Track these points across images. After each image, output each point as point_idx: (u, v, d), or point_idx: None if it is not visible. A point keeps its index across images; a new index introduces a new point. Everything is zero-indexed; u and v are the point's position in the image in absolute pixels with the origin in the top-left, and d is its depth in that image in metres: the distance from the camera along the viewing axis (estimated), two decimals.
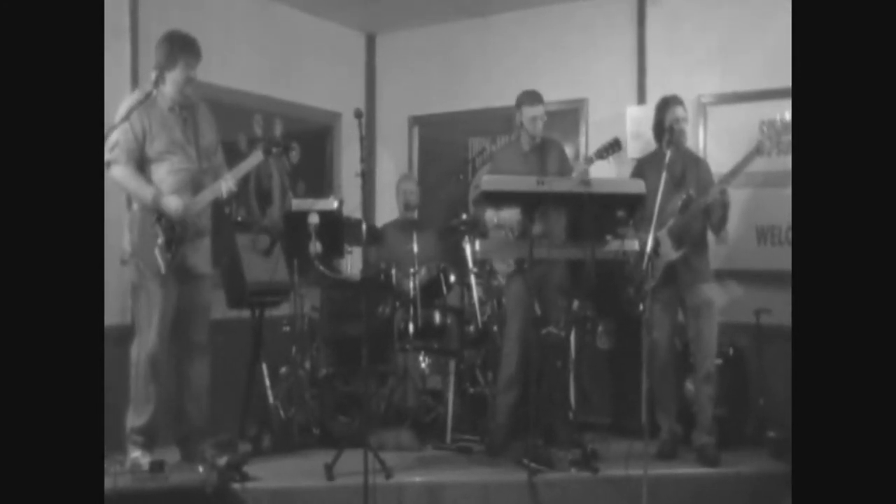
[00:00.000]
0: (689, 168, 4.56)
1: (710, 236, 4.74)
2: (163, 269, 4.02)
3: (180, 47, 4.09)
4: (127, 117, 3.89)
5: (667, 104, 4.64)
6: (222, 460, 3.99)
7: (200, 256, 4.24)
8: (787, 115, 4.24)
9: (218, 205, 4.35)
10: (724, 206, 4.47)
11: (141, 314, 4.10)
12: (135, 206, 4.13)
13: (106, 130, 3.83)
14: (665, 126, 4.56)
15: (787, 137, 4.49)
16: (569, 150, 5.39)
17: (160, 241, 4.02)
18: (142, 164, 4.09)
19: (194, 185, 4.16)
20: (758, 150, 4.33)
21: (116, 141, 3.99)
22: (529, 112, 4.67)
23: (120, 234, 4.20)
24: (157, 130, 4.08)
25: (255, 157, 4.30)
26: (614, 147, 4.50)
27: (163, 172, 4.10)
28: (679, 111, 4.59)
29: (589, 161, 4.61)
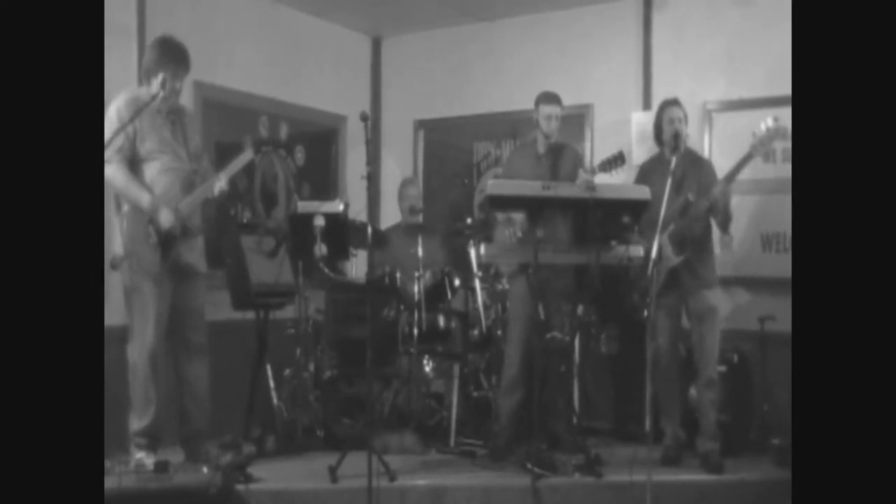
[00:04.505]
0: (689, 171, 4.56)
1: (715, 242, 4.75)
2: (156, 268, 4.03)
3: (169, 57, 4.09)
4: (131, 120, 3.90)
5: (664, 106, 4.69)
6: (226, 460, 3.99)
7: (195, 255, 4.24)
8: (772, 121, 4.26)
9: (223, 206, 4.35)
10: (726, 204, 4.46)
11: (136, 316, 4.08)
12: (125, 207, 4.11)
13: (110, 134, 3.85)
14: (662, 127, 4.59)
15: (779, 143, 4.52)
16: None
17: (153, 240, 4.03)
18: (133, 164, 4.08)
19: (185, 184, 4.16)
20: (751, 155, 4.34)
21: (120, 145, 3.99)
22: (545, 110, 4.67)
23: (109, 237, 4.21)
24: (147, 130, 4.07)
25: (246, 156, 4.30)
26: (618, 161, 4.50)
27: (154, 171, 4.09)
28: (675, 111, 4.60)
29: (592, 172, 4.61)
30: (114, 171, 4.00)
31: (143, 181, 4.07)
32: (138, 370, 4.06)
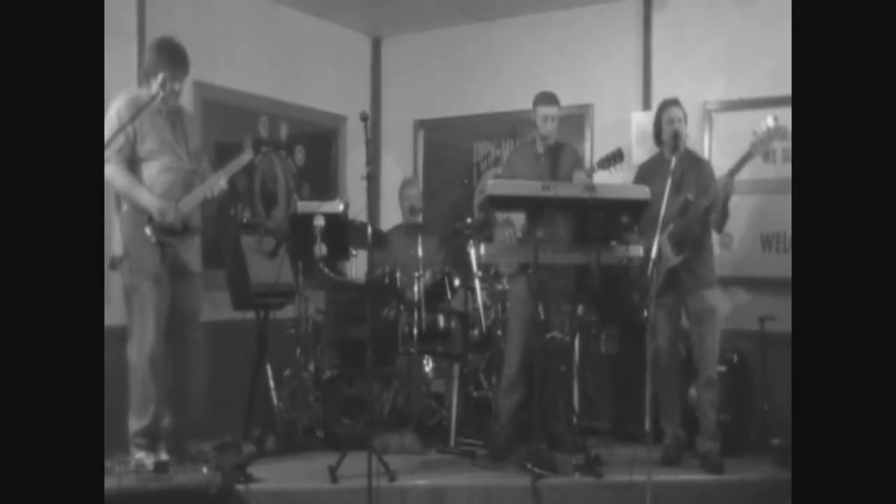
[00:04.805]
0: (688, 171, 4.56)
1: (714, 242, 4.75)
2: (156, 268, 4.03)
3: (168, 59, 4.10)
4: (131, 121, 3.91)
5: (663, 106, 4.69)
6: (225, 459, 3.99)
7: (192, 254, 4.25)
8: (772, 121, 4.27)
9: (223, 206, 4.35)
10: (725, 202, 4.46)
11: (135, 316, 4.08)
12: (125, 207, 4.11)
13: (110, 134, 3.86)
14: (662, 127, 4.60)
15: (779, 143, 4.52)
16: None
17: (152, 239, 4.03)
18: (133, 164, 4.09)
19: (185, 184, 4.17)
20: (751, 154, 4.35)
21: (120, 145, 4.00)
22: (542, 112, 4.68)
23: (109, 237, 4.22)
24: (147, 130, 4.08)
25: (245, 156, 4.32)
26: (617, 158, 4.50)
27: (154, 171, 4.10)
28: (675, 111, 4.61)
29: (591, 171, 4.62)
30: (114, 171, 4.00)
31: (142, 181, 4.07)
32: (138, 370, 4.06)
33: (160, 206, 4.02)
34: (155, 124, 4.12)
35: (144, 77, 4.15)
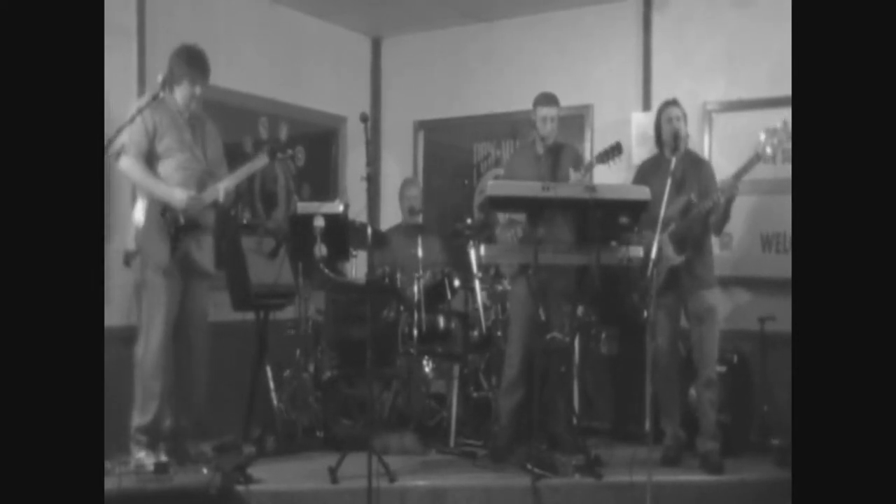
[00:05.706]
0: (689, 172, 4.56)
1: (714, 242, 4.75)
2: (167, 260, 4.05)
3: (187, 64, 4.17)
4: (134, 118, 3.93)
5: (662, 107, 4.70)
6: (225, 459, 4.00)
7: (204, 253, 4.27)
8: (780, 124, 4.28)
9: (223, 207, 4.37)
10: (728, 205, 4.46)
11: (146, 311, 4.11)
12: (140, 201, 4.15)
13: (115, 130, 3.87)
14: (662, 127, 4.60)
15: (790, 144, 4.51)
16: None
17: (167, 231, 4.07)
18: (150, 160, 4.13)
19: (199, 185, 4.21)
20: (758, 157, 4.34)
21: (128, 141, 4.02)
22: (541, 112, 4.69)
23: (124, 235, 4.24)
24: (166, 128, 4.15)
25: (260, 161, 4.35)
26: (615, 151, 4.50)
27: (170, 168, 4.15)
28: (673, 111, 4.61)
29: (589, 166, 4.62)
30: (131, 164, 4.08)
31: (158, 176, 4.12)
32: (144, 367, 4.09)
33: (178, 193, 4.05)
34: (175, 124, 4.19)
35: (167, 82, 4.16)
